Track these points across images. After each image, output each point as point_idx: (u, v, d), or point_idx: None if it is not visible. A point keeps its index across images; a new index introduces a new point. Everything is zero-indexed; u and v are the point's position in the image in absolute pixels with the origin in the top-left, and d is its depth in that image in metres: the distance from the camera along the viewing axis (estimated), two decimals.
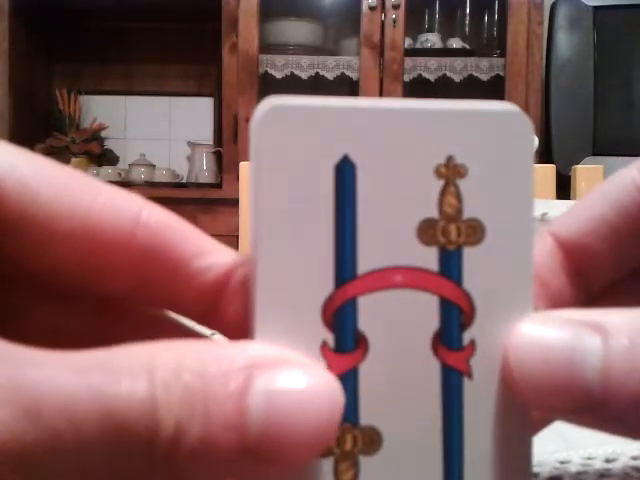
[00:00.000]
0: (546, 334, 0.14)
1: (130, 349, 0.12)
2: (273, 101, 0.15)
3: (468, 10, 2.16)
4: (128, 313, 0.17)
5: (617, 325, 0.14)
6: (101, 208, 0.15)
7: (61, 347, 0.15)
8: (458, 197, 0.15)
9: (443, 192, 0.15)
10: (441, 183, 0.15)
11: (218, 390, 0.12)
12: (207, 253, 0.16)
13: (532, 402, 0.15)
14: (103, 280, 0.16)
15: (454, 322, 0.15)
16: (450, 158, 0.15)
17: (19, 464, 0.11)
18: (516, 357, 0.15)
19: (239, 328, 0.16)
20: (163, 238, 0.15)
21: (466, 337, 0.15)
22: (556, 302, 0.17)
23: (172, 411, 0.12)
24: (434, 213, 0.15)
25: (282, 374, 0.13)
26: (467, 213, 0.15)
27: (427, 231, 0.15)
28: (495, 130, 0.15)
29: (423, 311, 0.15)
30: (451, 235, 0.15)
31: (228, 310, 0.16)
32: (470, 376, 0.15)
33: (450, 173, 0.15)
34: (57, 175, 0.15)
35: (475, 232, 0.15)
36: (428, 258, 0.15)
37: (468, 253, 0.15)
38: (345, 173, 0.15)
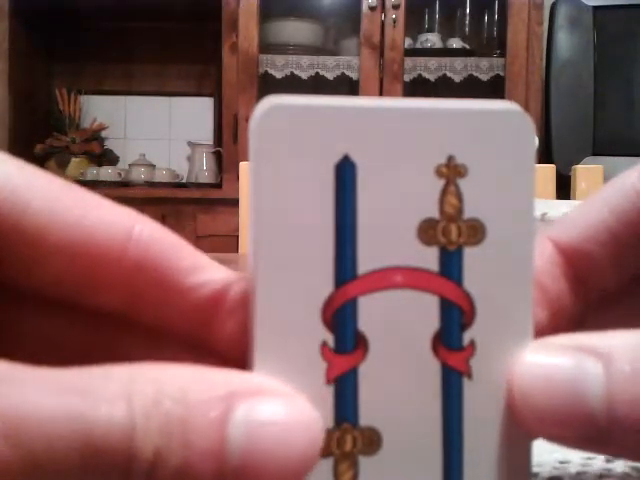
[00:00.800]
0: (548, 362, 0.14)
1: (110, 371, 0.12)
2: (272, 100, 0.15)
3: (468, 10, 2.16)
4: (126, 324, 0.17)
5: (618, 350, 0.14)
6: (94, 221, 0.15)
7: (57, 357, 0.15)
8: (459, 197, 0.15)
9: (444, 192, 0.15)
10: (442, 183, 0.15)
11: (199, 418, 0.12)
12: (200, 269, 0.16)
13: (537, 432, 0.14)
14: (95, 293, 0.16)
15: (454, 322, 0.15)
16: (451, 158, 0.15)
17: None
18: (519, 387, 0.14)
19: (234, 346, 0.16)
20: (155, 253, 0.15)
21: (466, 337, 0.15)
22: (555, 308, 0.17)
23: (151, 437, 0.12)
24: (435, 213, 0.15)
25: (262, 404, 0.13)
26: (468, 213, 0.15)
27: (427, 231, 0.15)
28: (496, 129, 0.15)
29: (423, 311, 0.15)
30: (452, 235, 0.15)
31: (222, 327, 0.16)
32: (470, 376, 0.15)
33: (451, 173, 0.15)
34: (50, 187, 0.15)
35: (476, 232, 0.15)
36: (428, 258, 0.15)
37: (469, 253, 0.15)
38: (345, 173, 0.15)
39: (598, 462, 0.23)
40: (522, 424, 0.15)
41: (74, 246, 0.15)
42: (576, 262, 0.17)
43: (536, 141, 0.16)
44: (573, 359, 0.14)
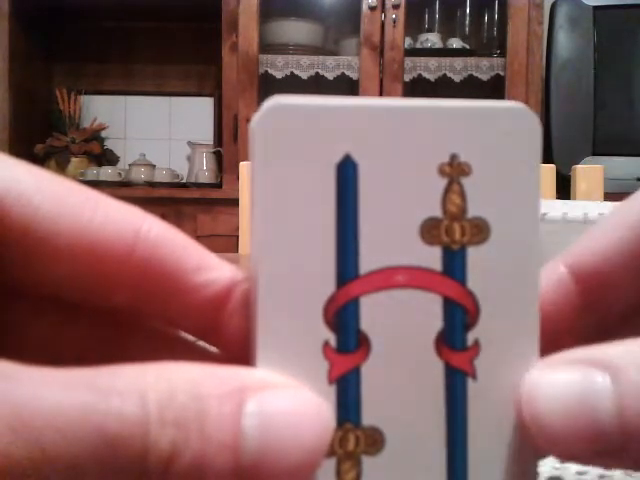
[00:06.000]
0: (556, 379, 0.14)
1: (121, 369, 0.12)
2: (274, 100, 0.15)
3: (468, 10, 2.16)
4: (133, 326, 0.17)
5: (624, 360, 0.13)
6: (102, 221, 0.15)
7: (65, 360, 0.15)
8: (462, 196, 0.15)
9: (447, 191, 0.15)
10: (445, 182, 0.15)
11: (213, 411, 0.12)
12: (207, 268, 0.16)
13: (550, 451, 0.14)
14: (102, 293, 0.16)
15: (458, 322, 0.15)
16: (454, 156, 0.15)
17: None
18: (528, 408, 0.14)
19: (239, 344, 0.16)
20: (163, 252, 0.15)
21: (470, 337, 0.15)
22: (561, 336, 0.17)
23: (167, 431, 0.12)
24: (438, 212, 0.15)
25: (273, 397, 0.13)
26: (472, 212, 0.15)
27: (430, 230, 0.15)
28: (500, 127, 0.15)
29: (426, 311, 0.15)
30: (455, 234, 0.15)
31: (228, 326, 0.16)
32: (474, 377, 0.15)
33: (454, 171, 0.15)
34: (58, 189, 0.15)
35: (480, 231, 0.15)
36: (431, 258, 0.15)
37: (472, 252, 0.15)
38: (347, 172, 0.15)
39: None
40: (534, 443, 0.14)
41: (83, 247, 0.15)
42: (591, 284, 0.17)
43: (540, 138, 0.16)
44: (580, 373, 0.14)
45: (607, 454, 0.13)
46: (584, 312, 0.17)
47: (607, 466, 0.14)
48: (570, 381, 0.14)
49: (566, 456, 0.14)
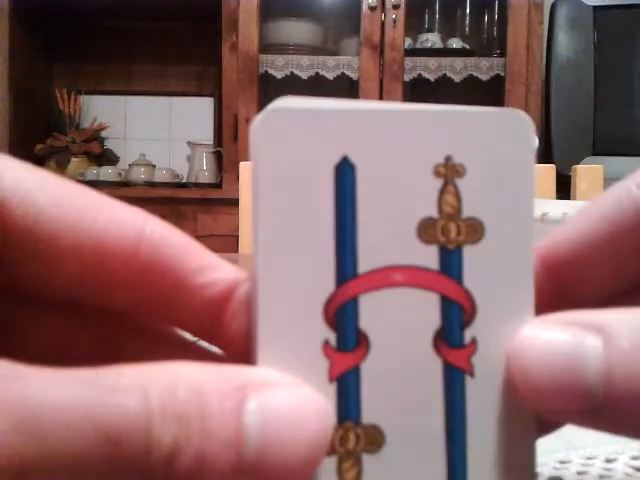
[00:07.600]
0: (547, 337, 0.14)
1: (123, 367, 0.12)
2: (275, 104, 0.15)
3: (468, 10, 2.16)
4: (134, 327, 0.17)
5: (616, 327, 0.14)
6: (105, 223, 0.15)
7: (66, 361, 0.15)
8: (457, 196, 0.15)
9: (442, 191, 0.15)
10: (440, 182, 0.15)
11: (215, 408, 0.12)
12: (210, 269, 0.16)
13: (535, 406, 0.15)
14: (105, 294, 0.16)
15: (455, 320, 0.15)
16: (448, 158, 0.15)
17: (11, 478, 0.11)
18: (518, 360, 0.15)
19: (241, 344, 0.16)
20: (166, 253, 0.15)
21: (467, 335, 0.15)
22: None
23: (169, 427, 0.12)
24: (434, 212, 0.15)
25: (274, 394, 0.13)
26: (466, 212, 0.15)
27: (427, 230, 0.15)
28: (494, 130, 0.15)
29: (424, 309, 0.15)
30: (451, 234, 0.15)
31: (230, 326, 0.16)
32: (472, 374, 0.15)
33: (449, 172, 0.15)
34: (62, 190, 0.15)
35: (475, 230, 0.15)
36: (428, 257, 0.15)
37: (468, 251, 0.15)
38: (345, 174, 0.15)
39: (598, 462, 0.23)
40: (520, 398, 0.15)
41: (87, 248, 0.15)
42: (562, 274, 0.17)
43: (536, 142, 0.16)
44: (573, 334, 0.14)
45: (589, 415, 0.14)
46: (557, 301, 0.17)
47: (587, 426, 0.14)
48: (562, 340, 0.14)
49: (549, 410, 0.14)
